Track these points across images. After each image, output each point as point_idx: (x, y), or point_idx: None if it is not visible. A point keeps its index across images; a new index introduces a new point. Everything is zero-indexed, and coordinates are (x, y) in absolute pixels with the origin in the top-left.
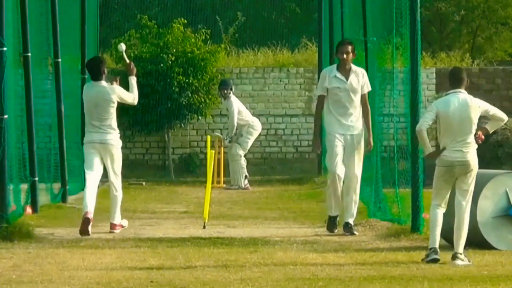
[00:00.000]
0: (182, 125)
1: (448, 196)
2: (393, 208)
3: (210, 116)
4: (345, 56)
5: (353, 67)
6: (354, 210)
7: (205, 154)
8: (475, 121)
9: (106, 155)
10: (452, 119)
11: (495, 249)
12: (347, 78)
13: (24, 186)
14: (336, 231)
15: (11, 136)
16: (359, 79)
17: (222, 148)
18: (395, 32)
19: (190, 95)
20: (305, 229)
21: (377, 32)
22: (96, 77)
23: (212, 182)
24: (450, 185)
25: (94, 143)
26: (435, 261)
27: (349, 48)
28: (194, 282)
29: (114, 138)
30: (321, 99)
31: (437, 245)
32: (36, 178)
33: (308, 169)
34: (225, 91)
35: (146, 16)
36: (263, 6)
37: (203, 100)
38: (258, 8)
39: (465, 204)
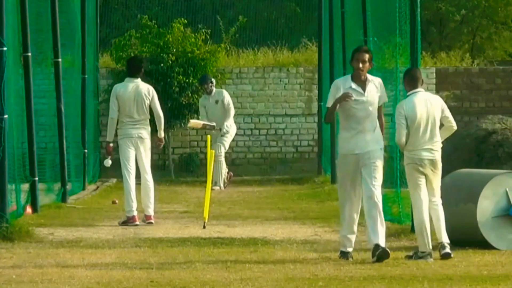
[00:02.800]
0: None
1: (425, 189)
2: (393, 208)
3: None
4: (360, 65)
5: (369, 76)
6: (381, 232)
7: (205, 154)
8: (439, 118)
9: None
10: (420, 119)
11: (495, 249)
12: (364, 90)
13: (24, 186)
14: (351, 259)
15: (12, 136)
16: (377, 90)
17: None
18: (398, 31)
19: (190, 95)
20: (305, 229)
21: (377, 32)
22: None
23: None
24: (423, 181)
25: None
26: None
27: (366, 56)
28: (194, 282)
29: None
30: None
31: (431, 248)
32: (36, 178)
33: (308, 169)
34: (206, 86)
35: (146, 16)
36: (263, 6)
37: None
38: (258, 8)
39: (437, 201)
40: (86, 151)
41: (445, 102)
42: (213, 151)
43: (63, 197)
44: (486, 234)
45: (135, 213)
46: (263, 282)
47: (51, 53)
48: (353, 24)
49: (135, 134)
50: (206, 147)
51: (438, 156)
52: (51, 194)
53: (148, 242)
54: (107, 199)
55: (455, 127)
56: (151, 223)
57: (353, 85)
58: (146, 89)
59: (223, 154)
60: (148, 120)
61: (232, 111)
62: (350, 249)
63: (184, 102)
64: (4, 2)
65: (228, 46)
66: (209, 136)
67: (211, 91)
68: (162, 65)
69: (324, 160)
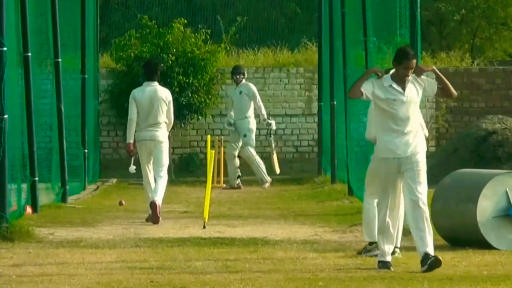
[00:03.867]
0: (182, 125)
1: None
2: None
3: (210, 116)
4: (409, 72)
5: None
6: (430, 240)
7: (205, 154)
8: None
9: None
10: None
11: (495, 249)
12: (404, 89)
13: (24, 186)
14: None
15: (13, 136)
16: (417, 87)
17: (222, 148)
18: (398, 31)
19: (190, 95)
20: (305, 229)
21: (377, 32)
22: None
23: (212, 182)
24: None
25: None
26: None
27: (414, 62)
28: (194, 282)
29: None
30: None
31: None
32: (36, 178)
33: (308, 169)
34: (236, 76)
35: (146, 16)
36: (263, 6)
37: (203, 100)
38: (258, 8)
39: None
40: (86, 151)
41: (445, 102)
42: (213, 151)
43: (63, 197)
44: (486, 234)
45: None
46: (263, 282)
47: (51, 53)
48: (353, 24)
49: (151, 137)
50: (206, 147)
51: None
52: (51, 194)
53: (148, 242)
54: (107, 199)
55: (427, 134)
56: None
57: (394, 84)
58: (164, 94)
59: (253, 153)
60: (165, 123)
61: (261, 105)
62: (389, 258)
63: (184, 102)
64: (4, 2)
65: (228, 46)
66: (209, 136)
67: (239, 82)
68: (162, 65)
69: (324, 160)
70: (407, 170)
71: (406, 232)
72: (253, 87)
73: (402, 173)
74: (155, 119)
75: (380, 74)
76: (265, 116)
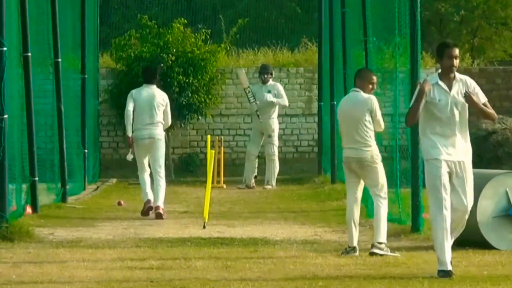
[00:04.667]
0: (182, 125)
1: (358, 190)
2: (393, 208)
3: (210, 116)
4: (454, 61)
5: (457, 75)
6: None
7: (205, 154)
8: (363, 119)
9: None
10: (341, 117)
11: (495, 249)
12: (450, 88)
13: (24, 186)
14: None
15: (13, 136)
16: (465, 89)
17: (222, 148)
18: (398, 31)
19: (190, 95)
20: (305, 229)
21: (377, 32)
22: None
23: (212, 182)
24: (355, 179)
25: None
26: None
27: (457, 51)
28: (194, 282)
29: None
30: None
31: (354, 244)
32: (36, 178)
33: (308, 169)
34: (265, 76)
35: (146, 16)
36: (263, 6)
37: (203, 100)
38: (258, 8)
39: (380, 198)
40: (86, 151)
41: None
42: (213, 151)
43: (63, 197)
44: (486, 234)
45: (151, 197)
46: (263, 282)
47: (51, 53)
48: (353, 24)
49: (147, 135)
50: (206, 147)
51: (364, 154)
52: (51, 194)
53: (148, 242)
54: (107, 199)
55: (381, 129)
56: (160, 214)
57: (440, 82)
58: (161, 96)
59: (276, 153)
60: (161, 123)
61: (286, 101)
62: (450, 267)
63: (184, 102)
64: (4, 2)
65: (228, 46)
66: (209, 136)
67: (266, 82)
68: (162, 65)
69: (324, 160)
70: (456, 177)
71: (406, 232)
72: (280, 88)
73: (451, 178)
74: (151, 118)
75: (427, 88)
76: (278, 106)
